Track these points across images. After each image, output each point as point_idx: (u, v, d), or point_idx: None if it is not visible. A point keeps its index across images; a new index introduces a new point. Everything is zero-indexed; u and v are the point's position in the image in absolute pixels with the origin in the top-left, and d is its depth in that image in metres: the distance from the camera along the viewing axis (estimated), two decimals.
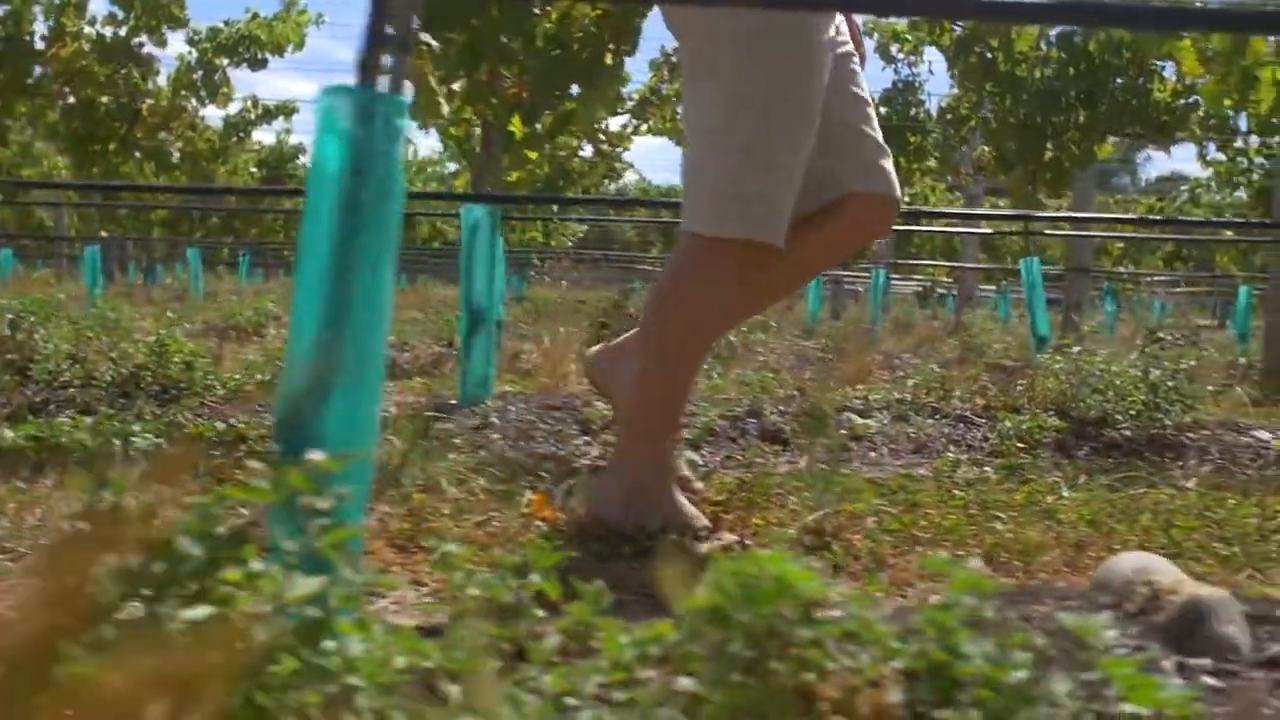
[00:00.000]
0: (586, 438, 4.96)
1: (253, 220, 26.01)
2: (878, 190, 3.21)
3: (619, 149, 13.39)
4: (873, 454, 4.94)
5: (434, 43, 5.12)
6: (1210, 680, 1.67)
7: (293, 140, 28.93)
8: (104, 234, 23.26)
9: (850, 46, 3.29)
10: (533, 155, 5.76)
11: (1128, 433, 5.08)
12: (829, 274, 20.49)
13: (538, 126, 5.39)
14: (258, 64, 15.08)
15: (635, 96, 11.05)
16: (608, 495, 3.19)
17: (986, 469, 4.43)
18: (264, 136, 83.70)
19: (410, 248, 19.16)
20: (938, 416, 5.34)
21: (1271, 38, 5.75)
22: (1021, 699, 1.42)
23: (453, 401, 5.52)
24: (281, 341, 8.92)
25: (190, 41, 15.23)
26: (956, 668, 1.47)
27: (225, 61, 14.99)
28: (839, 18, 3.24)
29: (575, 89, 5.58)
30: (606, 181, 24.93)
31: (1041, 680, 1.40)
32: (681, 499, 3.23)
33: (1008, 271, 13.16)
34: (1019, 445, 4.83)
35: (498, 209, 5.42)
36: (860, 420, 5.17)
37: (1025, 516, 3.40)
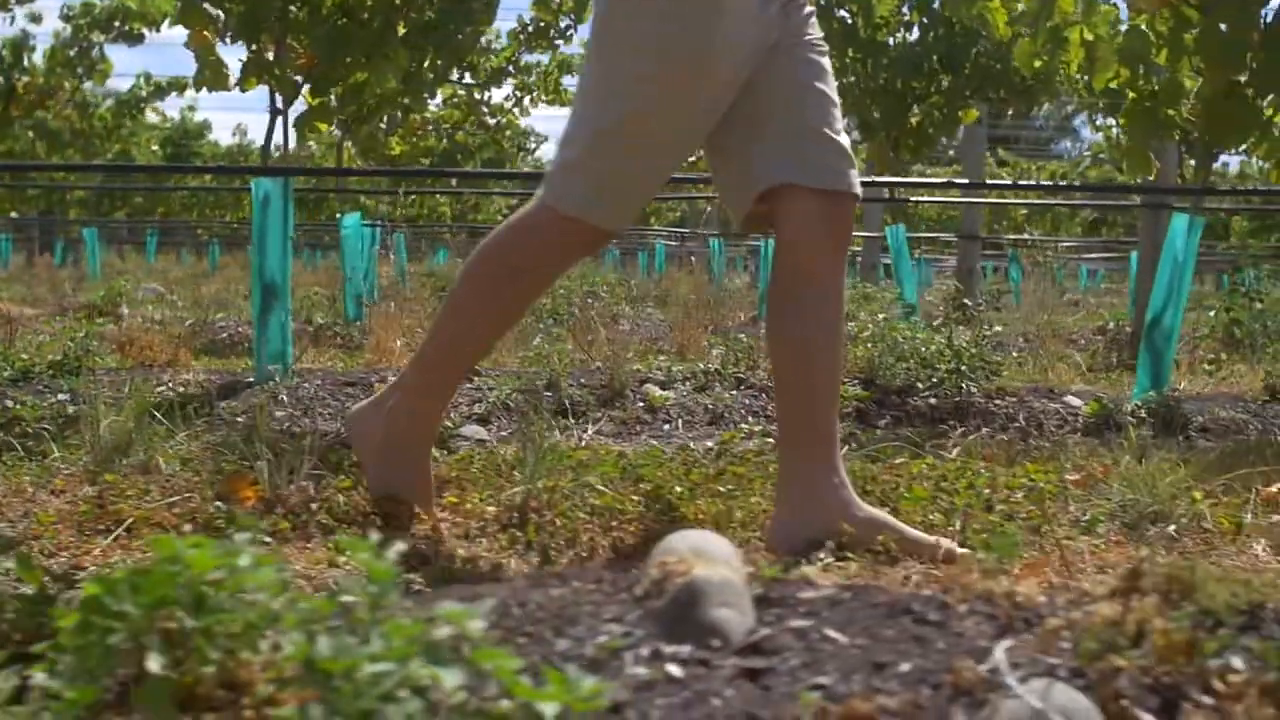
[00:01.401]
0: None
1: (160, 199, 25.64)
2: (812, 183, 2.83)
3: (499, 120, 13.22)
4: (666, 426, 4.82)
5: (218, 10, 4.93)
6: (674, 669, 1.54)
7: (198, 118, 28.50)
8: (14, 215, 22.91)
9: (807, 34, 2.92)
10: (323, 127, 5.56)
11: (933, 401, 4.96)
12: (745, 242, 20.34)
13: (331, 98, 5.20)
14: (134, 38, 14.72)
15: (490, 68, 10.87)
16: (363, 431, 3.10)
17: (772, 439, 4.29)
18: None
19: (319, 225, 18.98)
20: (743, 387, 5.20)
21: None
22: (379, 691, 1.28)
23: (250, 379, 5.35)
24: (126, 321, 8.72)
25: (64, 17, 14.92)
26: (319, 661, 1.32)
27: (101, 37, 14.66)
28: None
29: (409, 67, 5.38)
30: (523, 154, 24.80)
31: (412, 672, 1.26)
32: (428, 470, 3.09)
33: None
34: None
35: (290, 182, 5.23)
36: (659, 392, 5.03)
37: (770, 489, 3.26)
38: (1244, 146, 5.38)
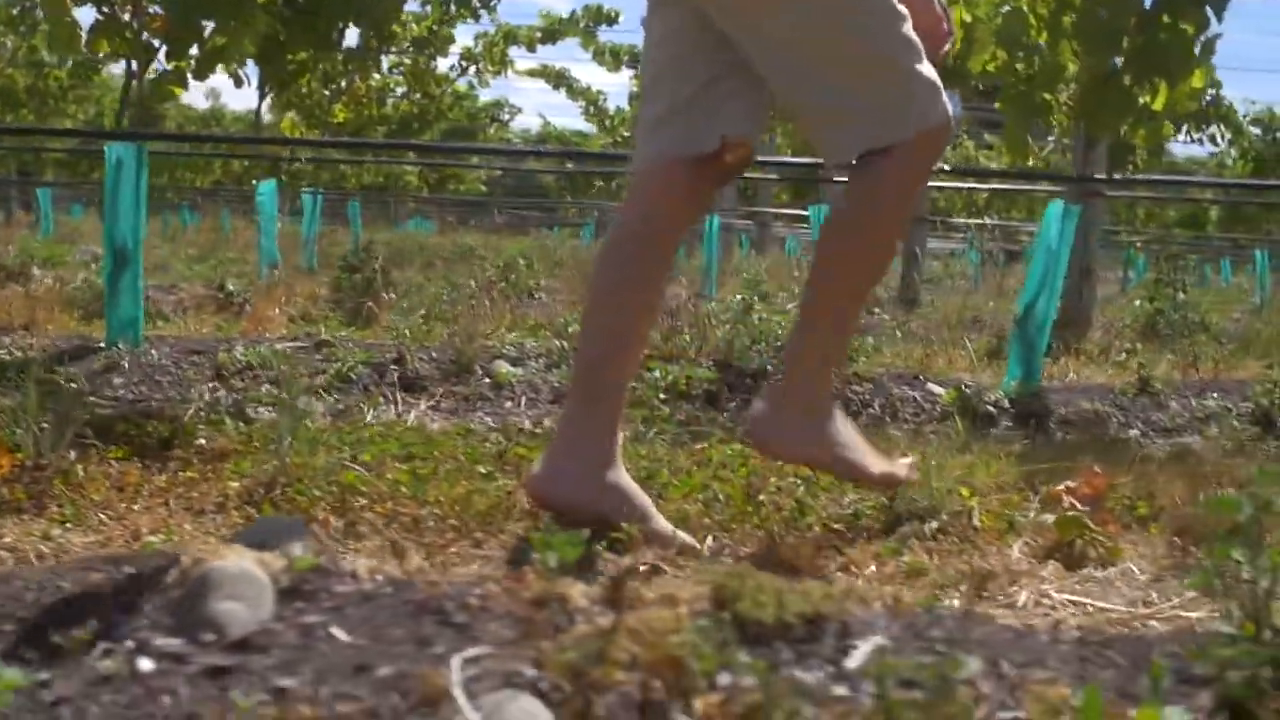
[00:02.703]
0: (214, 384, 4.71)
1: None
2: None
3: (446, 89, 13.10)
4: (508, 404, 4.71)
5: None
6: (145, 664, 1.44)
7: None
8: None
9: None
10: (177, 92, 5.44)
11: None
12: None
13: (189, 62, 5.08)
14: None
15: (410, 38, 10.73)
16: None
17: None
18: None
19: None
20: None
21: None
22: None
23: (100, 344, 5.23)
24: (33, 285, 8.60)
25: None
26: None
27: None
28: None
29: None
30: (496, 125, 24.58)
31: None
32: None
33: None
34: (661, 397, 4.58)
35: (143, 147, 5.10)
36: (507, 369, 4.92)
37: None
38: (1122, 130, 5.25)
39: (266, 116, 13.31)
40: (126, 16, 4.98)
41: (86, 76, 19.03)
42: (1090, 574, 2.75)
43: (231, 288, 8.29)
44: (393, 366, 4.89)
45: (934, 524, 2.90)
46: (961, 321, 8.27)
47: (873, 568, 2.67)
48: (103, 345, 5.18)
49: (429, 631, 1.54)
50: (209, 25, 5.16)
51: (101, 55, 6.02)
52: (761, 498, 2.99)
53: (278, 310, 6.40)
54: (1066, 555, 2.83)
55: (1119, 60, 5.01)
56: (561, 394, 4.77)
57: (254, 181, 10.11)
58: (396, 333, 5.23)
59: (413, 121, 13.94)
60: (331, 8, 8.39)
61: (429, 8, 10.70)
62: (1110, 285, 18.92)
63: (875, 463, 2.85)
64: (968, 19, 5.49)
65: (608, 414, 2.78)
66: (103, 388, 4.55)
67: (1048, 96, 5.05)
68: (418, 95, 13.06)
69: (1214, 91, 17.56)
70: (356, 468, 3.08)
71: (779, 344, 4.92)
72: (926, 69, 2.76)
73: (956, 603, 2.42)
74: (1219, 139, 17.47)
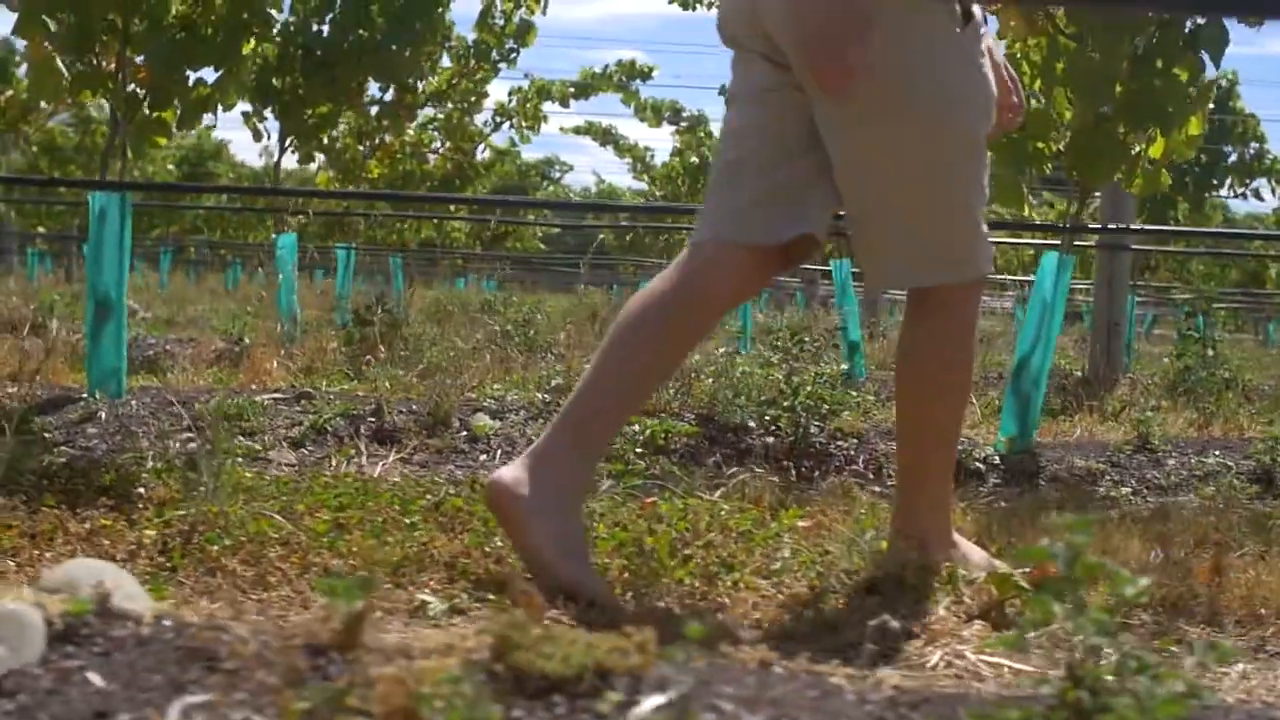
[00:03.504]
0: (189, 434, 4.67)
1: (174, 217, 25.68)
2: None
3: (474, 147, 13.13)
4: (483, 456, 4.64)
5: (51, 21, 4.82)
6: None
7: (217, 136, 28.57)
8: (40, 230, 23.11)
9: None
10: (161, 142, 5.45)
11: (770, 440, 4.75)
12: None
13: (172, 112, 5.07)
14: None
15: (430, 92, 10.76)
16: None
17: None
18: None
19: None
20: None
21: None
22: None
23: (83, 395, 5.22)
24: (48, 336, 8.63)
25: None
26: None
27: None
28: None
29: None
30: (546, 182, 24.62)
31: None
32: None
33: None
34: (638, 451, 4.49)
35: (126, 197, 5.10)
36: (486, 421, 4.85)
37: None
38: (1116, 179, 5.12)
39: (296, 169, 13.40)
40: (111, 66, 4.98)
41: None
42: (1019, 635, 2.62)
43: (248, 341, 8.31)
44: (370, 418, 4.84)
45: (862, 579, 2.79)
46: (985, 377, 8.12)
47: (789, 619, 2.57)
48: (84, 396, 5.16)
49: (190, 677, 1.46)
50: (194, 75, 5.16)
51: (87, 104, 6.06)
52: (688, 551, 2.89)
53: (276, 363, 6.37)
54: (998, 616, 2.71)
55: (1110, 107, 4.89)
56: None
57: (273, 236, 10.12)
58: (375, 385, 5.17)
59: (454, 178, 13.96)
60: (349, 61, 8.44)
61: (446, 59, 10.76)
62: (1165, 344, 18.61)
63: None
64: None
65: (585, 460, 2.76)
66: (76, 438, 4.53)
67: (1040, 145, 4.94)
68: (448, 149, 13.10)
69: (1258, 145, 17.32)
70: (277, 517, 3.01)
71: (763, 397, 4.82)
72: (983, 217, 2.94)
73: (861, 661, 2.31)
74: (1272, 192, 17.24)
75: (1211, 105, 13.76)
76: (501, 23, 10.76)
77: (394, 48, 8.47)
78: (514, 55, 11.13)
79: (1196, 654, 1.39)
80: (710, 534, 3.10)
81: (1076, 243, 5.37)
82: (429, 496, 3.42)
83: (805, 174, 2.84)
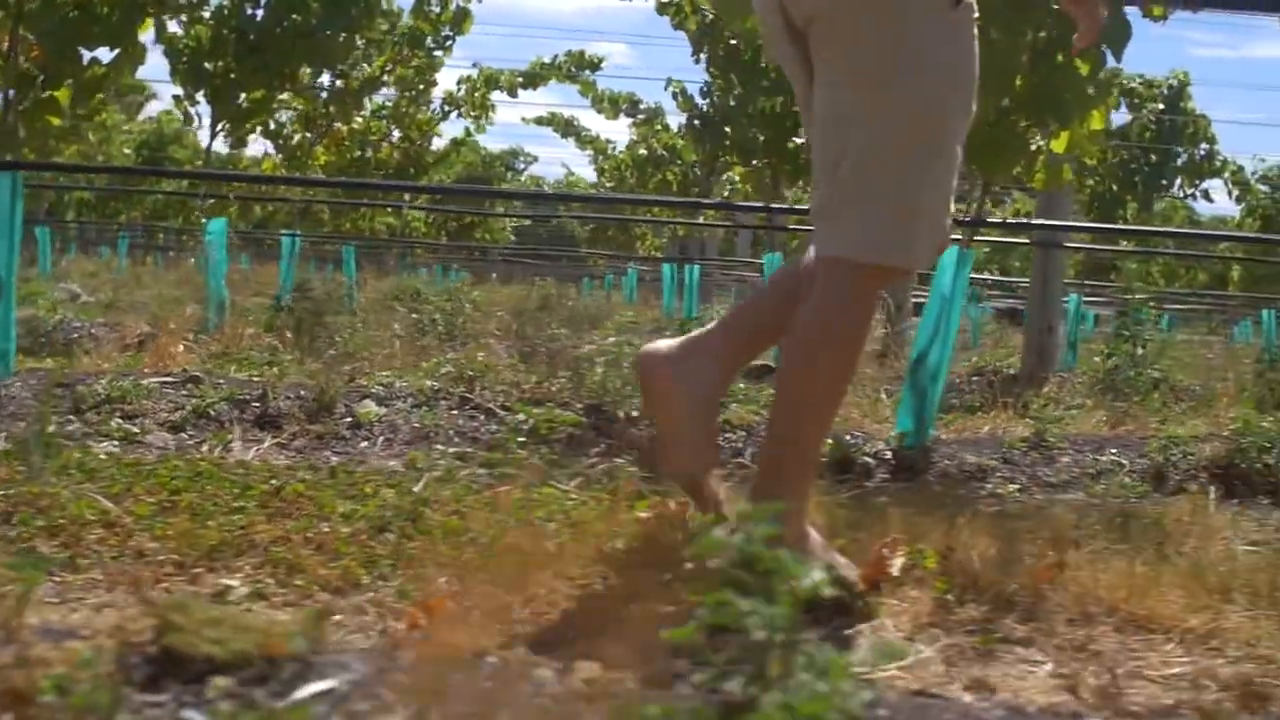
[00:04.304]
0: (70, 416, 4.61)
1: (135, 201, 25.49)
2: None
3: (424, 136, 13.06)
4: (364, 444, 4.58)
5: None
6: None
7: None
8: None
9: None
10: (55, 121, 5.38)
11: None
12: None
13: (66, 92, 5.00)
14: None
15: (361, 77, 10.68)
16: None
17: (440, 463, 4.06)
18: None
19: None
20: (465, 408, 4.95)
21: None
22: None
23: None
24: None
25: None
26: None
27: None
28: None
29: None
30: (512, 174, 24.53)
31: None
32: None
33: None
34: (520, 440, 4.44)
35: (17, 177, 5.03)
36: (372, 407, 4.79)
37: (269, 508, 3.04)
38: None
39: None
40: (4, 44, 4.90)
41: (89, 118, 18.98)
42: (837, 630, 2.59)
43: (173, 326, 8.24)
44: (254, 404, 4.78)
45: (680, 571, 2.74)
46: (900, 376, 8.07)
47: (588, 608, 2.52)
48: None
49: None
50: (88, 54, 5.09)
51: None
52: (509, 540, 2.85)
53: (183, 347, 6.30)
54: (818, 612, 2.67)
55: (1010, 100, 4.85)
56: (421, 434, 4.65)
57: (202, 220, 10.03)
58: (258, 370, 5.11)
59: (408, 168, 13.90)
60: (283, 46, 8.35)
61: (383, 46, 10.67)
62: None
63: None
64: None
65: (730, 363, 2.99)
66: None
67: None
68: (398, 138, 13.03)
69: (1208, 146, 17.32)
70: (101, 499, 2.95)
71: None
72: (942, 218, 2.88)
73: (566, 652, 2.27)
74: (1229, 194, 17.24)
75: (1161, 106, 13.82)
76: (438, 10, 10.69)
77: (329, 33, 8.38)
78: (450, 43, 11.06)
79: (865, 652, 1.34)
80: (544, 524, 3.06)
81: (977, 238, 5.32)
82: (273, 481, 3.37)
83: None
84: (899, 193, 2.81)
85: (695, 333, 2.98)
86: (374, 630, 2.37)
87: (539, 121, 19.75)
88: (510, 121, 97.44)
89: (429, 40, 10.86)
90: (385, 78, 11.00)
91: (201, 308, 8.89)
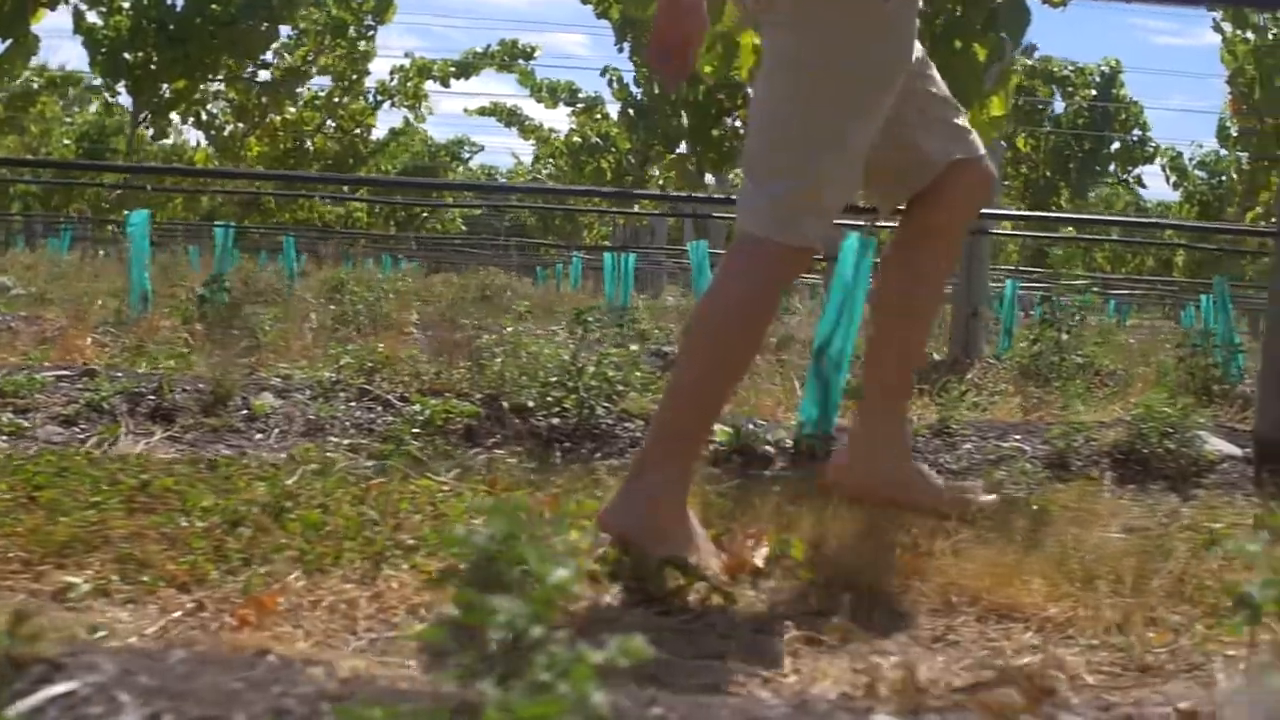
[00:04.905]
0: None
1: (77, 193, 25.26)
2: (975, 155, 3.27)
3: (358, 127, 12.99)
4: (258, 436, 4.54)
5: None
6: None
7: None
8: None
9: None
10: None
11: (555, 421, 4.67)
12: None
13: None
14: None
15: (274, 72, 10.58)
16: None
17: (328, 455, 4.02)
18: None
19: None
20: (364, 398, 4.91)
21: None
22: None
23: None
24: None
25: None
26: None
27: None
28: None
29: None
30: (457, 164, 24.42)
31: None
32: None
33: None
34: (414, 431, 4.40)
35: None
36: (269, 400, 4.75)
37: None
38: None
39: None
40: None
41: (24, 110, 18.87)
42: (688, 623, 2.58)
43: (93, 320, 8.16)
44: (150, 396, 4.72)
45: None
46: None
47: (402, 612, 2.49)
48: None
49: None
50: None
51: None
52: (368, 534, 2.82)
53: (90, 340, 6.23)
54: (670, 602, 2.66)
55: None
56: (317, 426, 4.60)
57: (124, 212, 9.92)
58: (165, 362, 5.05)
59: (347, 158, 13.81)
60: (203, 36, 8.27)
61: (304, 37, 10.59)
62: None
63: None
64: (758, 42, 5.26)
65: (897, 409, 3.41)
66: None
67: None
68: (333, 127, 12.94)
69: (1141, 132, 17.40)
70: None
71: (554, 377, 4.74)
72: (835, 192, 2.99)
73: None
74: (1166, 180, 17.34)
75: (1094, 92, 13.86)
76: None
77: (250, 24, 8.31)
78: (371, 33, 11.00)
79: (609, 650, 1.32)
80: (410, 516, 3.04)
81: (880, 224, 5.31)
82: (143, 476, 3.33)
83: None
84: (791, 171, 2.89)
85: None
86: (210, 627, 2.34)
87: (481, 112, 19.70)
88: (457, 112, 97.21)
89: (351, 30, 10.79)
90: (307, 68, 10.91)
91: (122, 300, 8.80)
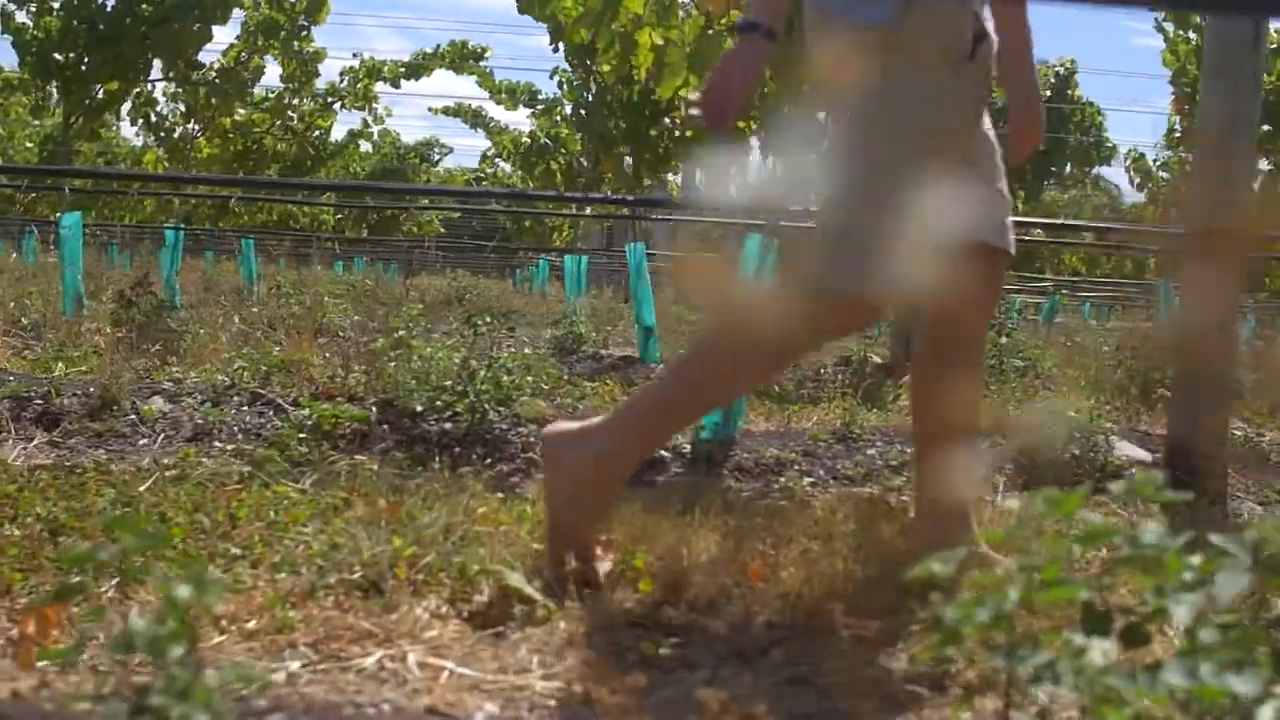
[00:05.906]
0: None
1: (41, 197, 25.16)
2: (997, 243, 2.96)
3: (307, 128, 12.92)
4: (143, 441, 4.47)
5: None
6: None
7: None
8: None
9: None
10: None
11: (448, 426, 4.61)
12: None
13: None
14: None
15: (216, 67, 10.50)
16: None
17: (210, 461, 3.95)
18: None
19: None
20: (257, 403, 4.85)
21: None
22: None
23: None
24: None
25: None
26: None
27: None
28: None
29: None
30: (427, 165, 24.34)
31: None
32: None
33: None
34: (300, 436, 4.34)
35: None
36: (158, 405, 4.68)
37: None
38: None
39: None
40: None
41: None
42: (500, 635, 2.51)
43: (25, 322, 8.10)
44: (38, 401, 4.66)
45: (355, 574, 2.65)
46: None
47: (253, 624, 2.43)
48: None
49: None
50: None
51: None
52: (195, 543, 2.76)
53: None
54: (489, 614, 2.60)
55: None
56: (204, 431, 4.54)
57: (56, 215, 9.85)
58: (71, 364, 4.99)
59: (304, 160, 13.73)
60: (135, 36, 8.18)
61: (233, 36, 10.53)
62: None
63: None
64: (659, 41, 5.19)
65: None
66: None
67: (741, 125, 4.83)
68: (280, 127, 12.86)
69: (1097, 133, 17.36)
70: None
71: (447, 381, 4.68)
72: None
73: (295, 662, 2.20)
74: (1131, 183, 17.33)
75: (1049, 93, 13.84)
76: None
77: (181, 24, 8.22)
78: (305, 32, 10.92)
79: (225, 674, 1.26)
80: (248, 524, 2.98)
81: None
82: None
83: None
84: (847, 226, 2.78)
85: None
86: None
87: (445, 112, 19.58)
88: (424, 113, 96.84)
89: (282, 30, 10.71)
90: (239, 70, 10.83)
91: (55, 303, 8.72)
